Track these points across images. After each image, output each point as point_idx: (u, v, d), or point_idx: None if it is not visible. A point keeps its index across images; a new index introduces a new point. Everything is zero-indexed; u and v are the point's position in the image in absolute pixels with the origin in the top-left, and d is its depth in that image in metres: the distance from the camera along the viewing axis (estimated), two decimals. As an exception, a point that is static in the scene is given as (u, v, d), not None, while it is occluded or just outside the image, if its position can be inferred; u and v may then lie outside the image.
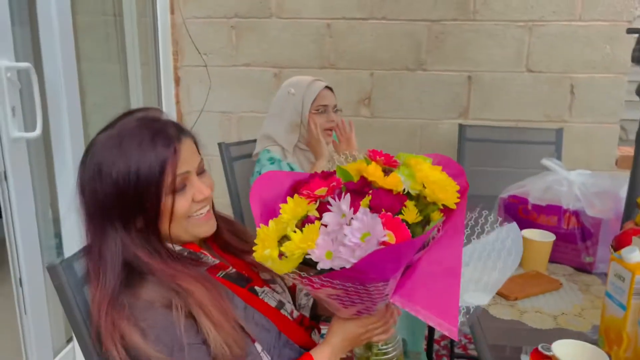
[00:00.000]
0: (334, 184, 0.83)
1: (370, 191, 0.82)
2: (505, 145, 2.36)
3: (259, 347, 0.90)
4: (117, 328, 0.78)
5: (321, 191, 0.83)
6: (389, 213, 0.78)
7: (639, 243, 0.89)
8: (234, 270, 0.95)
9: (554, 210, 1.38)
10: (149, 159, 0.82)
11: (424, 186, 0.86)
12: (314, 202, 0.81)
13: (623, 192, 1.36)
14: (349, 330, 0.91)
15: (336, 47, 2.47)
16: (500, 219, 1.09)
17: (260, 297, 0.96)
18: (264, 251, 0.77)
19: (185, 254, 0.90)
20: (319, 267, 0.75)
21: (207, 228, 0.93)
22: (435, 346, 2.22)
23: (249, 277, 0.99)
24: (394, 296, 0.84)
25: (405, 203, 0.85)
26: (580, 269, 1.36)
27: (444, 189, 0.87)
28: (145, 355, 0.77)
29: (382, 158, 0.88)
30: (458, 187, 0.91)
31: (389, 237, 0.74)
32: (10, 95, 1.42)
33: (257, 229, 0.81)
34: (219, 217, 1.00)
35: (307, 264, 0.77)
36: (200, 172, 0.92)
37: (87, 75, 1.95)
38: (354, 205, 0.79)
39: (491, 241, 1.15)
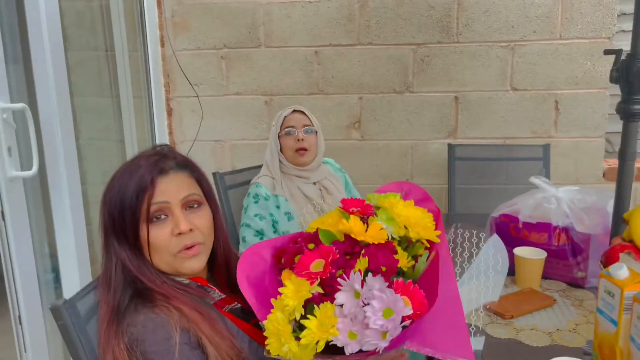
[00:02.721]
0: (331, 257, 0.82)
1: (362, 251, 0.83)
2: (494, 162, 2.41)
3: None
4: (111, 346, 0.80)
5: (317, 266, 0.82)
6: (399, 280, 0.79)
7: (627, 259, 0.92)
8: (238, 305, 0.97)
9: (544, 227, 1.41)
10: (131, 185, 0.88)
11: (405, 227, 0.88)
12: (315, 280, 0.81)
13: (610, 206, 1.40)
14: None
15: (324, 73, 2.52)
16: (484, 234, 1.12)
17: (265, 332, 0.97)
18: (282, 347, 0.75)
19: (193, 286, 0.92)
20: (347, 351, 0.74)
21: (191, 264, 0.92)
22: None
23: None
24: (409, 343, 0.84)
25: (397, 249, 0.87)
26: (573, 284, 1.39)
27: (424, 226, 0.89)
28: None
29: (358, 208, 0.91)
30: (433, 222, 0.93)
31: (406, 303, 0.75)
32: (6, 136, 1.44)
33: (263, 321, 0.79)
34: (225, 253, 1.01)
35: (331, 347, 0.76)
36: (189, 206, 0.93)
37: (81, 110, 1.98)
38: (348, 265, 0.81)
39: (481, 259, 1.17)
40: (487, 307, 1.22)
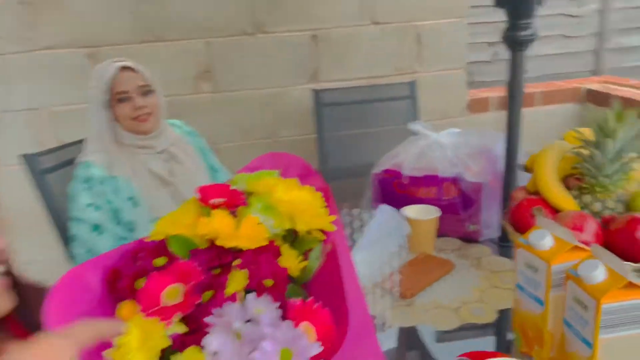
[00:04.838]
0: (192, 279, 0.56)
1: (236, 263, 0.57)
2: (362, 105, 2.22)
3: None
4: None
5: (173, 294, 0.56)
6: (297, 301, 0.54)
7: (547, 222, 0.76)
8: None
9: (432, 180, 1.24)
10: None
11: (291, 217, 0.63)
12: (172, 317, 0.54)
13: (497, 149, 1.26)
14: None
15: (159, 15, 2.09)
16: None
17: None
18: None
19: None
20: None
21: None
22: None
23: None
24: None
25: (280, 250, 0.63)
26: (466, 239, 1.25)
27: (315, 212, 0.66)
28: None
29: (224, 199, 0.63)
30: (324, 203, 0.71)
31: (309, 333, 0.52)
32: None
33: None
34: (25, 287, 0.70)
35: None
36: None
37: None
38: (217, 285, 0.55)
39: (374, 229, 0.97)
40: (387, 285, 1.02)
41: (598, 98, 2.63)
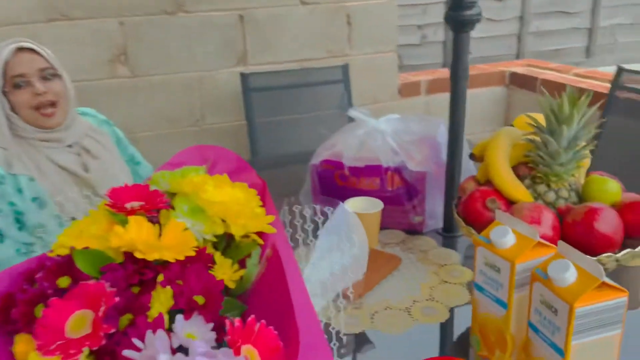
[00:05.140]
0: (104, 304, 0.45)
1: (159, 279, 0.47)
2: (293, 90, 2.12)
3: None
4: None
5: (79, 324, 0.45)
6: (235, 322, 0.45)
7: (506, 217, 0.71)
8: None
9: (374, 170, 1.17)
10: None
11: (223, 220, 0.54)
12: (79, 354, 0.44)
13: (440, 136, 1.21)
14: None
15: (65, -10, 1.88)
16: (330, 209, 0.83)
17: None
18: None
19: None
20: None
21: None
22: None
23: None
24: None
25: (214, 257, 0.53)
26: (410, 231, 1.20)
27: (251, 213, 0.57)
28: None
29: (142, 202, 0.52)
30: (260, 202, 0.62)
31: (253, 358, 0.43)
32: None
33: None
34: None
35: None
36: None
37: None
38: (138, 307, 0.44)
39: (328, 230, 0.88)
40: (347, 294, 0.94)
41: (522, 81, 2.69)
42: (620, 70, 1.80)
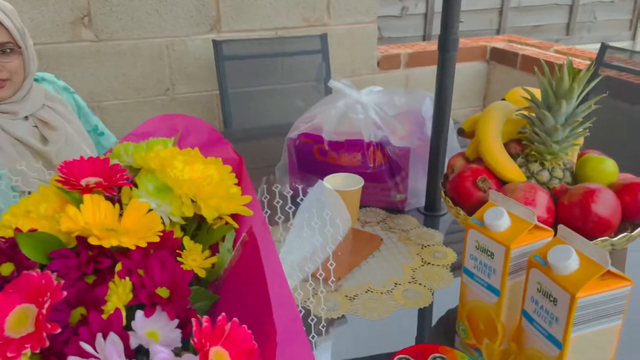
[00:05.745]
0: (49, 298, 0.39)
1: (118, 266, 0.41)
2: (268, 59, 2.03)
3: None
4: None
5: (21, 322, 0.39)
6: (204, 322, 0.38)
7: (501, 198, 0.65)
8: None
9: (356, 145, 1.11)
10: None
11: (193, 201, 0.47)
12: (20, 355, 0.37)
13: (425, 110, 1.15)
14: None
15: (22, -56, 1.73)
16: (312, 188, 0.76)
17: None
18: None
19: None
20: None
21: None
22: None
23: None
24: None
25: (182, 242, 0.46)
26: (391, 209, 1.14)
27: (226, 193, 0.50)
28: None
29: (99, 178, 0.45)
30: (235, 180, 0.56)
31: None
32: None
33: None
34: None
35: None
36: None
37: None
38: (91, 301, 0.38)
39: (305, 209, 0.82)
40: (317, 275, 0.88)
41: (502, 57, 2.64)
42: (604, 47, 1.77)
